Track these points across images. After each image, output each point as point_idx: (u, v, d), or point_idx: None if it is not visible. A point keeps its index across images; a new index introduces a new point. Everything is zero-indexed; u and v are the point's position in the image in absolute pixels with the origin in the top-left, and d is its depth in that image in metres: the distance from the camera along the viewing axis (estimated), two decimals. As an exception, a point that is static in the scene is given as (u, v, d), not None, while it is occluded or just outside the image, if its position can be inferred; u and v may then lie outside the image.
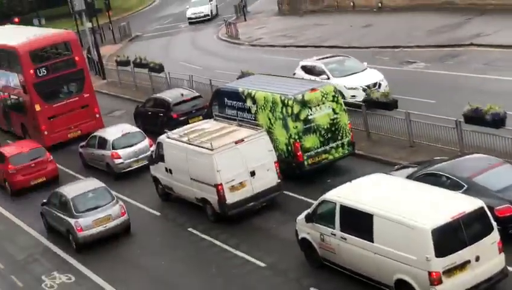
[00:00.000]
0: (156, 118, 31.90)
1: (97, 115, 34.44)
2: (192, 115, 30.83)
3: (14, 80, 34.63)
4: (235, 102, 25.46)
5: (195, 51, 52.10)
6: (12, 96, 35.74)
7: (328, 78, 29.40)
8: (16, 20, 64.37)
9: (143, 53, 44.16)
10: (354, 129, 25.13)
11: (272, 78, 26.76)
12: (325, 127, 23.48)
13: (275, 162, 22.39)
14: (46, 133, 33.30)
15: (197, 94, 32.51)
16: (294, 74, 31.91)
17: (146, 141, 28.58)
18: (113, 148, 28.28)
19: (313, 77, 29.93)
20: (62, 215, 23.29)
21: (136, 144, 28.49)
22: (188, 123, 28.63)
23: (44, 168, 29.19)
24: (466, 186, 17.68)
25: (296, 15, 58.67)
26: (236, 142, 21.97)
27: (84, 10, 49.60)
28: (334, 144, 23.70)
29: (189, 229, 22.86)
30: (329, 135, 23.57)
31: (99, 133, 30.00)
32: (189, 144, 22.78)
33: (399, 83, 30.77)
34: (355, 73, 30.34)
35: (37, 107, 33.30)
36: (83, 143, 30.53)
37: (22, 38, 35.17)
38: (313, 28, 51.63)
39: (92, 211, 22.88)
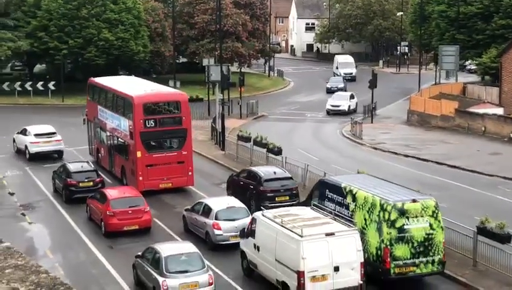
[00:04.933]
0: (245, 190, 32.86)
1: (190, 173, 36.05)
2: (280, 193, 31.83)
3: (124, 125, 37.02)
4: (335, 196, 25.70)
5: (316, 142, 52.65)
6: (119, 140, 38.14)
7: None
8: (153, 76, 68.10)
9: (265, 133, 44.89)
10: (462, 255, 24.66)
11: (378, 181, 26.74)
12: (419, 240, 23.18)
13: (361, 263, 22.21)
14: (141, 178, 35.10)
15: (289, 175, 33.57)
16: None
17: (249, 218, 28.46)
18: (216, 218, 28.33)
19: None
20: (152, 272, 23.32)
21: (238, 219, 28.34)
22: (275, 200, 30.14)
23: (139, 217, 30.07)
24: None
25: (424, 127, 58.55)
26: (326, 234, 22.05)
27: (218, 81, 51.72)
28: (424, 259, 23.28)
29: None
30: (421, 249, 23.22)
31: (206, 201, 30.30)
32: (281, 225, 23.06)
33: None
34: None
35: (139, 154, 35.23)
36: (188, 207, 30.93)
37: (140, 90, 37.93)
38: (439, 144, 51.22)
39: (181, 274, 22.90)
